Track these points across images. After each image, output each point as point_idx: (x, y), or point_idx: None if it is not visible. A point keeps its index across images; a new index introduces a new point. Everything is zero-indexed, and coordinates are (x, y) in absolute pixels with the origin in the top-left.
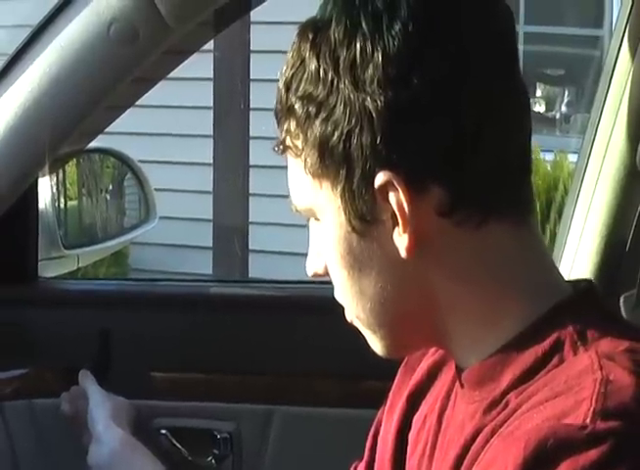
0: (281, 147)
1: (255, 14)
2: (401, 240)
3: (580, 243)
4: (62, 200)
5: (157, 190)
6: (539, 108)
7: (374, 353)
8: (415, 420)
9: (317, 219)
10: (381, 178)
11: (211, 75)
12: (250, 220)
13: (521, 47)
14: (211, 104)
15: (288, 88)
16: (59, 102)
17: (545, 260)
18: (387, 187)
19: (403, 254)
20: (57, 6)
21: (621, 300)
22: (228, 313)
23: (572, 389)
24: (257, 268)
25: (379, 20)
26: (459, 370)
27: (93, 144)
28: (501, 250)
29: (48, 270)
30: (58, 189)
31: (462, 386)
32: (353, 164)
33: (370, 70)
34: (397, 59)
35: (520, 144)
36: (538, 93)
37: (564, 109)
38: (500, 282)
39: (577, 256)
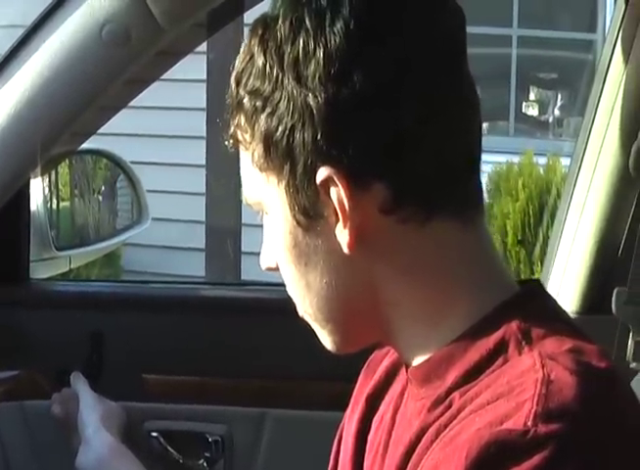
0: (232, 141)
1: (249, 15)
2: (343, 236)
3: (573, 246)
4: (54, 201)
5: (149, 192)
6: (532, 111)
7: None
8: (374, 421)
9: (266, 213)
10: (322, 174)
11: (205, 77)
12: (242, 222)
13: (514, 51)
14: (204, 105)
15: (238, 83)
16: (51, 103)
17: (492, 259)
18: (328, 183)
19: (345, 249)
20: (50, 7)
21: (614, 292)
22: (220, 316)
23: (514, 390)
24: (250, 270)
25: (322, 17)
26: (408, 367)
27: (86, 145)
28: (446, 248)
29: (39, 272)
30: (50, 190)
31: (411, 383)
32: (296, 159)
33: (312, 67)
34: (338, 56)
35: (466, 144)
36: (532, 96)
37: (557, 112)
38: (445, 280)
39: (570, 259)
